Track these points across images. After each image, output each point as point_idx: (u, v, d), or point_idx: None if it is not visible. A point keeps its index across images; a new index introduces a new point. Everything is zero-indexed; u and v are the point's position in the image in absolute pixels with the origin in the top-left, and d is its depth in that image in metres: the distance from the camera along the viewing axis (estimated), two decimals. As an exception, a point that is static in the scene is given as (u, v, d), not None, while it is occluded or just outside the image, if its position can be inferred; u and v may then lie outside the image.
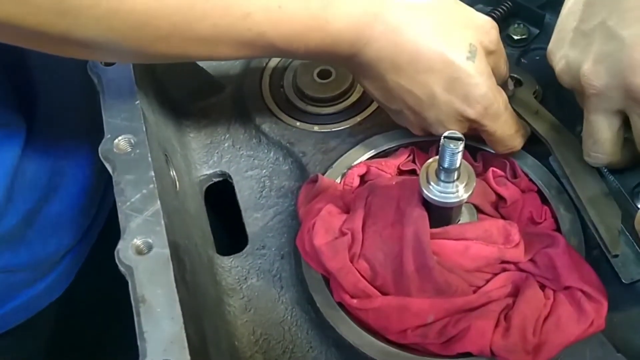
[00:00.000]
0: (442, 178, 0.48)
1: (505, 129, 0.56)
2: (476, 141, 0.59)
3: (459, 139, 0.45)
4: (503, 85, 0.58)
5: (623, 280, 0.53)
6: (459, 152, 0.45)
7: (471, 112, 0.54)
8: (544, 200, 0.58)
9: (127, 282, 0.41)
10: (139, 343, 0.38)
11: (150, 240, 0.42)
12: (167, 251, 0.42)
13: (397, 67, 0.52)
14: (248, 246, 0.60)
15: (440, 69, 0.52)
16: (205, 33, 0.46)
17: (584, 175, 0.56)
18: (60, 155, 0.67)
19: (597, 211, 0.54)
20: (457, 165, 0.47)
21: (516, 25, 0.71)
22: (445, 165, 0.47)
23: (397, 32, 0.51)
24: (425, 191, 0.49)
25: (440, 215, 0.51)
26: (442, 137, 0.46)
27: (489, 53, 0.54)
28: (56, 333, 0.76)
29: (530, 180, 0.59)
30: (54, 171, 0.66)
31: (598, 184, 0.55)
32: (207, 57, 0.52)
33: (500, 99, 0.54)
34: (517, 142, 0.58)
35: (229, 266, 0.59)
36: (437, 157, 0.47)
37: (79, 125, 0.69)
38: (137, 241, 0.42)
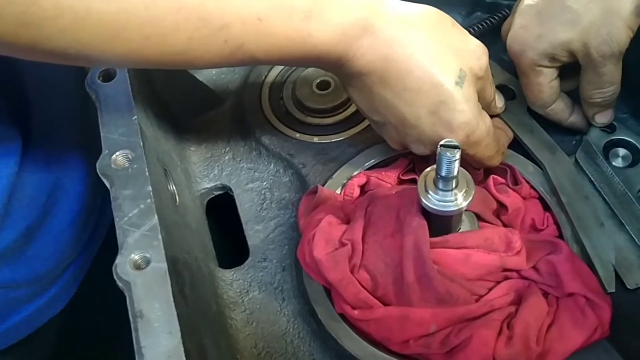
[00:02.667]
0: (441, 187, 0.48)
1: (485, 152, 0.56)
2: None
3: (455, 147, 0.45)
4: (488, 107, 0.59)
5: (627, 286, 0.53)
6: (455, 160, 0.45)
7: (453, 138, 0.52)
8: (546, 207, 0.58)
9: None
10: (137, 358, 0.38)
11: (148, 255, 0.42)
12: (164, 265, 0.42)
13: (385, 81, 0.52)
14: (249, 259, 0.60)
15: (428, 90, 0.51)
16: (179, 46, 0.44)
17: (578, 203, 0.56)
18: (57, 169, 0.67)
19: (592, 243, 0.54)
20: (455, 173, 0.46)
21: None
22: (443, 174, 0.46)
23: (389, 46, 0.50)
24: (424, 200, 0.49)
25: (440, 224, 0.51)
26: (438, 146, 0.45)
27: (477, 79, 0.54)
28: (58, 348, 0.75)
29: (532, 187, 0.58)
30: (52, 186, 0.66)
31: (592, 213, 0.56)
32: (186, 66, 0.51)
33: (483, 126, 0.54)
34: (495, 161, 0.58)
35: (231, 279, 0.59)
36: (435, 165, 0.47)
37: (75, 138, 0.69)
38: (135, 256, 0.42)
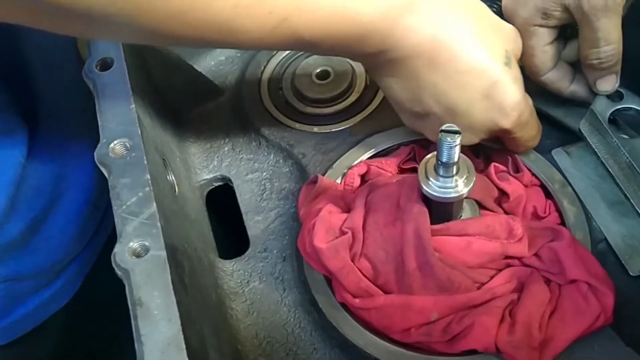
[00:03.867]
0: (441, 173, 0.47)
1: (530, 132, 0.55)
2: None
3: (455, 132, 0.45)
4: None
5: (630, 273, 0.52)
6: (456, 145, 0.45)
7: (506, 122, 0.52)
8: (548, 194, 0.57)
9: None
10: (136, 346, 0.38)
11: (146, 243, 0.42)
12: (163, 253, 0.41)
13: (435, 64, 0.49)
14: (250, 249, 0.60)
15: (481, 71, 0.50)
16: (225, 13, 0.42)
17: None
18: (64, 161, 0.67)
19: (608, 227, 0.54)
20: (456, 159, 0.46)
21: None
22: (444, 160, 0.46)
23: (435, 26, 0.48)
24: (424, 187, 0.48)
25: (441, 211, 0.51)
26: (439, 131, 0.45)
27: (517, 60, 0.53)
28: (63, 341, 0.75)
29: (533, 174, 0.58)
30: (58, 178, 0.66)
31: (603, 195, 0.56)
32: (230, 42, 0.47)
33: (528, 106, 0.53)
34: (536, 141, 0.57)
35: (231, 270, 0.59)
36: (435, 152, 0.47)
37: (81, 130, 0.69)
38: (134, 244, 0.42)
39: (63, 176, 0.67)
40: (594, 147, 0.55)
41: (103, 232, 0.75)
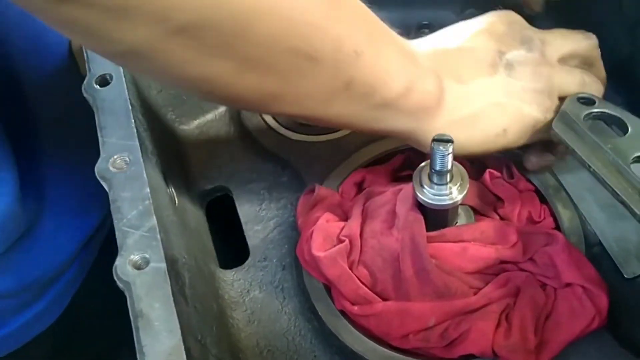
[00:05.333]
0: (435, 181, 0.48)
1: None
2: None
3: (448, 141, 0.45)
4: None
5: (625, 276, 0.53)
6: (449, 154, 0.46)
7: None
8: (542, 199, 0.58)
9: (126, 306, 0.41)
10: (138, 357, 0.38)
11: (147, 256, 0.43)
12: (163, 265, 0.42)
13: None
14: (249, 259, 0.61)
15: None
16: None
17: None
18: (54, 184, 0.66)
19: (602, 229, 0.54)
20: (449, 167, 0.47)
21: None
22: (437, 168, 0.47)
23: None
24: (419, 195, 0.49)
25: (437, 218, 0.52)
26: (432, 141, 0.46)
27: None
28: None
29: (528, 179, 0.59)
30: (47, 199, 0.66)
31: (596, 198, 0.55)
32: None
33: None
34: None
35: (232, 279, 0.60)
36: (429, 160, 0.48)
37: (78, 151, 0.69)
38: (135, 257, 0.43)
39: (53, 197, 0.67)
40: (572, 147, 0.52)
41: (91, 248, 0.74)
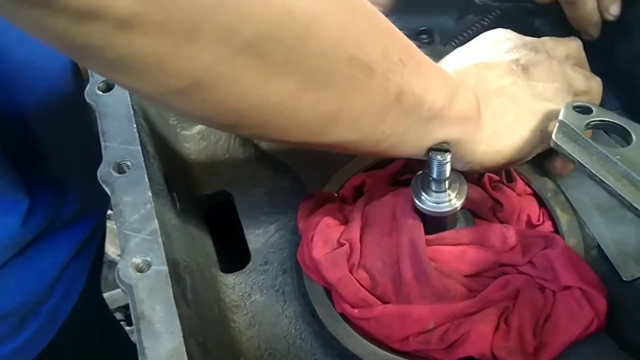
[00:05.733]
0: (434, 188, 0.49)
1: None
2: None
3: (445, 151, 0.46)
4: None
5: (623, 278, 0.53)
6: (446, 162, 0.46)
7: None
8: (541, 203, 0.58)
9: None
10: (139, 359, 0.39)
11: (149, 259, 0.43)
12: (165, 268, 0.43)
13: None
14: (250, 263, 0.61)
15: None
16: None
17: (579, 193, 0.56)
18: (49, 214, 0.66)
19: (600, 233, 0.55)
20: (447, 175, 0.48)
21: (506, 33, 0.72)
22: (435, 177, 0.48)
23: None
24: (418, 202, 0.50)
25: (436, 224, 0.52)
26: (429, 150, 0.47)
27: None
28: None
29: (526, 183, 0.59)
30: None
31: (594, 201, 0.56)
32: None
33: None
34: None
35: (233, 283, 0.60)
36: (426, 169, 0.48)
37: (77, 178, 0.68)
38: (136, 260, 0.43)
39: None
40: (577, 159, 0.49)
41: (77, 279, 0.72)
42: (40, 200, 0.64)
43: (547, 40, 0.57)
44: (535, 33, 0.71)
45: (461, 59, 0.53)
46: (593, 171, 0.48)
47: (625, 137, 0.50)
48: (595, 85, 0.57)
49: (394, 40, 0.43)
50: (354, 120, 0.43)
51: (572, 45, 0.58)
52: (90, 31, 0.30)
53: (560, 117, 0.50)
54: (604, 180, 0.47)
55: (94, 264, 0.78)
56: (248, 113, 0.39)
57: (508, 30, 0.56)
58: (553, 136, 0.50)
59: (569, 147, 0.49)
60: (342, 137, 0.44)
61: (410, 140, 0.47)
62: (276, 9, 0.34)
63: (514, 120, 0.51)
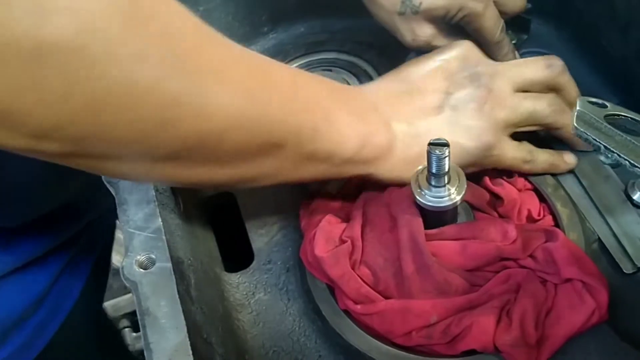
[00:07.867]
0: (433, 183, 0.49)
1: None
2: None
3: (444, 145, 0.47)
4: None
5: (624, 271, 0.54)
6: (445, 157, 0.47)
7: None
8: (541, 198, 0.59)
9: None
10: (145, 353, 0.39)
11: (153, 256, 0.44)
12: (169, 265, 0.43)
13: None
14: (254, 262, 0.62)
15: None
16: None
17: (600, 184, 0.57)
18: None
19: (618, 222, 0.55)
20: (446, 169, 0.48)
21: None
22: (434, 171, 0.48)
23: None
24: (418, 198, 0.50)
25: (436, 219, 0.52)
26: (428, 145, 0.47)
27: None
28: None
29: (526, 178, 0.59)
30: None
31: (614, 191, 0.56)
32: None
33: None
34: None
35: (237, 282, 0.60)
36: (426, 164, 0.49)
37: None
38: (141, 257, 0.44)
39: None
40: (604, 145, 0.49)
41: (68, 293, 0.72)
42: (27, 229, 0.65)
43: (505, 68, 0.57)
44: (535, 32, 0.72)
45: (405, 80, 0.56)
46: (622, 155, 0.49)
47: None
48: (549, 114, 0.56)
49: (310, 115, 0.48)
50: (271, 177, 0.49)
51: (541, 72, 0.56)
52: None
53: (578, 108, 0.52)
54: (635, 164, 0.48)
55: (93, 275, 0.78)
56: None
57: (472, 50, 0.58)
58: (574, 123, 0.51)
59: (592, 133, 0.50)
60: (265, 185, 0.50)
61: (329, 177, 0.54)
62: (193, 127, 0.40)
63: (423, 150, 0.51)
